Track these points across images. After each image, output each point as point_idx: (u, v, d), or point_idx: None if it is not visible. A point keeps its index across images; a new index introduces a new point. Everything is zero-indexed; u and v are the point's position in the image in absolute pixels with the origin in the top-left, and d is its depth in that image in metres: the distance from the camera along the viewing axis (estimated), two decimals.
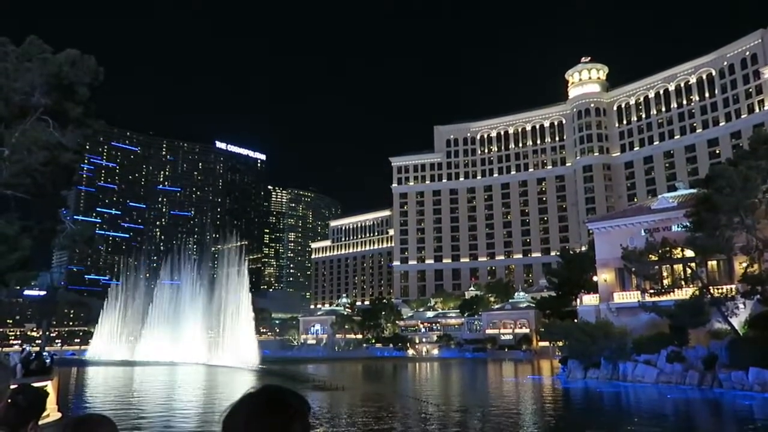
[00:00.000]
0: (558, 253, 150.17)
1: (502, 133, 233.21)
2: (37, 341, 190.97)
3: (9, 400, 3.56)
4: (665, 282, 65.56)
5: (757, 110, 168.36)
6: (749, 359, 49.49)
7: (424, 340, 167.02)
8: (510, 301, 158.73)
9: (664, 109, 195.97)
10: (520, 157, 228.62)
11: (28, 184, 35.19)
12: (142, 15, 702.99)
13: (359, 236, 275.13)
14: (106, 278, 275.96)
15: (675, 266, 67.11)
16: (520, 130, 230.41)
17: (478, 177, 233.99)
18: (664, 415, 41.23)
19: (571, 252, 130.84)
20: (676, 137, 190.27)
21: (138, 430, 32.34)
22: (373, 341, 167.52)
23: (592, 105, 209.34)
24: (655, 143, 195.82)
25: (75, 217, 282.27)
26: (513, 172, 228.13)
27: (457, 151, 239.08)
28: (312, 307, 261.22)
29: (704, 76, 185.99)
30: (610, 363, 63.94)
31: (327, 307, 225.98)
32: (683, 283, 64.50)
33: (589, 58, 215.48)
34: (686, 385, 54.56)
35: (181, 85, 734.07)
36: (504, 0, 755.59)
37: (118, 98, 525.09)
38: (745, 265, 57.95)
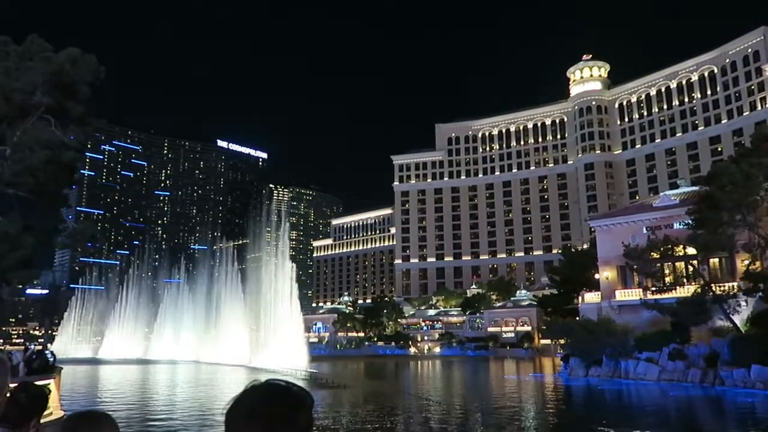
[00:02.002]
0: (560, 251, 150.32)
1: (504, 131, 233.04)
2: (39, 340, 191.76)
3: (10, 398, 3.57)
4: (667, 279, 65.58)
5: (759, 107, 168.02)
6: (751, 357, 49.44)
7: (425, 338, 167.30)
8: (512, 299, 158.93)
9: (665, 106, 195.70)
10: (521, 155, 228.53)
11: (30, 183, 35.22)
12: (142, 13, 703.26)
13: (361, 234, 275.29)
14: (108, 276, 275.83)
15: (677, 264, 67.11)
16: (521, 128, 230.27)
17: (480, 175, 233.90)
18: (666, 412, 41.23)
19: (573, 250, 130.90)
20: (677, 135, 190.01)
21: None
22: (375, 339, 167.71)
23: (594, 103, 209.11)
24: (656, 141, 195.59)
25: (77, 215, 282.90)
26: (515, 170, 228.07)
27: (459, 149, 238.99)
28: (314, 305, 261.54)
29: (706, 74, 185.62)
30: (612, 361, 63.96)
31: (329, 305, 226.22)
32: (685, 280, 64.49)
33: (591, 55, 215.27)
34: (688, 383, 54.55)
35: (183, 84, 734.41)
36: None
37: (119, 97, 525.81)
38: (747, 262, 57.95)
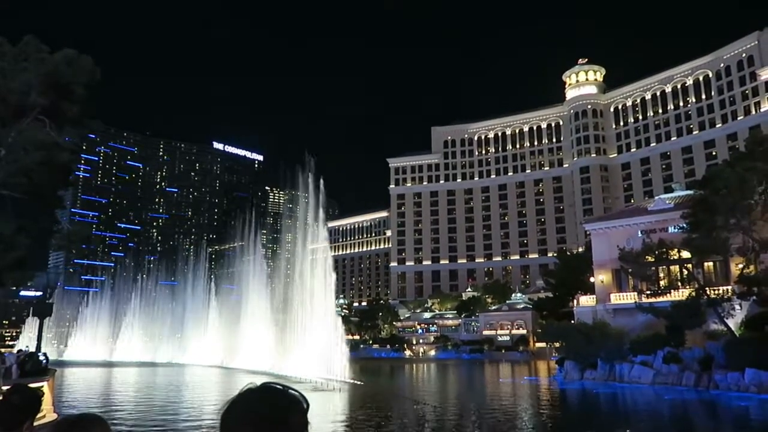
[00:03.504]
0: (555, 254, 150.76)
1: (500, 134, 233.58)
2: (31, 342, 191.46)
3: (3, 400, 3.55)
4: (662, 283, 65.72)
5: (753, 112, 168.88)
6: (745, 360, 49.62)
7: (421, 341, 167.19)
8: (507, 302, 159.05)
9: (660, 110, 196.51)
10: (517, 158, 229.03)
11: (24, 184, 35.08)
12: (140, 14, 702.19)
13: (357, 237, 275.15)
14: (102, 278, 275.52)
15: (671, 267, 67.28)
16: (517, 131, 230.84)
17: (476, 178, 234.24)
18: (660, 416, 41.30)
19: (568, 253, 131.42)
20: (672, 139, 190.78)
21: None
22: (370, 342, 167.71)
23: (589, 106, 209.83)
24: (651, 145, 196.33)
25: (72, 217, 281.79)
26: (510, 173, 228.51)
27: (455, 152, 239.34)
28: None
29: (701, 78, 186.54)
30: (606, 364, 64.07)
31: None
32: (680, 284, 64.64)
33: (586, 59, 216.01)
34: (682, 386, 54.66)
35: (179, 86, 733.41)
36: (502, 1, 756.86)
37: (115, 98, 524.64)
38: (741, 266, 58.15)
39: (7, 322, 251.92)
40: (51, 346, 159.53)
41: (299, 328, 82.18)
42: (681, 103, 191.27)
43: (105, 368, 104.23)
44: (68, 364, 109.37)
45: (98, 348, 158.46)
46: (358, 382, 61.19)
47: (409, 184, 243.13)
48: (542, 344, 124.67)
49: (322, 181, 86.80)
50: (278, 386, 2.20)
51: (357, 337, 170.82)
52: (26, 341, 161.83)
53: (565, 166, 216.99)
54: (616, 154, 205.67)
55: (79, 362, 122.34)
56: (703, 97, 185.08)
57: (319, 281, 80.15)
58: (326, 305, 78.01)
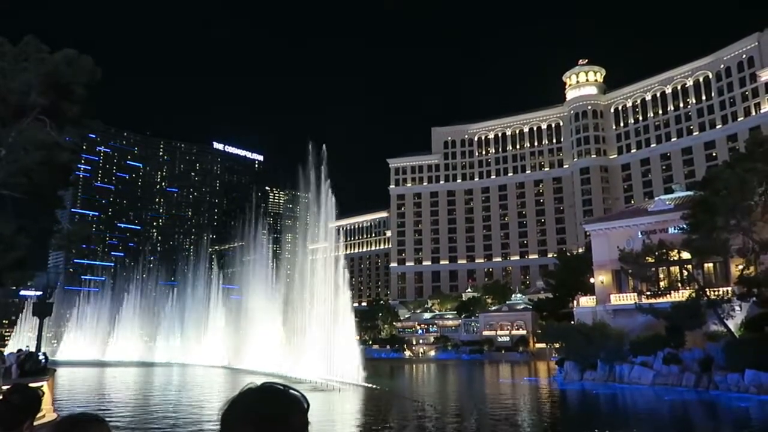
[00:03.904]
0: (555, 255, 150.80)
1: (500, 134, 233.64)
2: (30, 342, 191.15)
3: (4, 400, 3.55)
4: (662, 284, 65.69)
5: (753, 113, 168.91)
6: (745, 361, 49.64)
7: (421, 341, 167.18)
8: (507, 302, 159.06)
9: (661, 111, 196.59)
10: (517, 158, 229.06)
11: (24, 184, 35.11)
12: (140, 14, 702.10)
13: (356, 237, 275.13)
14: (103, 278, 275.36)
15: (671, 268, 67.27)
16: (517, 131, 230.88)
17: (476, 178, 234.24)
18: (660, 416, 41.30)
19: (568, 254, 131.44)
20: (672, 140, 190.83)
21: None
22: (370, 342, 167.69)
23: (590, 107, 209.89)
24: (652, 145, 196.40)
25: (72, 217, 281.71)
26: (510, 174, 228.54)
27: (455, 152, 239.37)
28: None
29: (701, 79, 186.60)
30: (606, 365, 64.06)
31: None
32: (680, 285, 64.63)
33: (587, 60, 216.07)
34: (682, 387, 54.67)
35: (179, 86, 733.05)
36: (502, 2, 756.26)
37: (115, 98, 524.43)
38: (741, 267, 58.16)
39: (6, 322, 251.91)
40: (51, 346, 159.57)
41: (308, 329, 79.32)
42: (681, 104, 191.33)
43: (99, 368, 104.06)
44: (60, 364, 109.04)
45: (96, 347, 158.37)
46: (372, 386, 59.38)
47: (409, 185, 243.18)
48: (542, 345, 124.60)
49: (325, 150, 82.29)
50: (279, 386, 2.22)
51: (357, 337, 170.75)
52: (25, 341, 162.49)
53: (565, 166, 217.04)
54: (616, 155, 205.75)
55: (71, 362, 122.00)
56: (704, 98, 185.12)
57: (331, 279, 76.42)
58: (340, 304, 74.71)
